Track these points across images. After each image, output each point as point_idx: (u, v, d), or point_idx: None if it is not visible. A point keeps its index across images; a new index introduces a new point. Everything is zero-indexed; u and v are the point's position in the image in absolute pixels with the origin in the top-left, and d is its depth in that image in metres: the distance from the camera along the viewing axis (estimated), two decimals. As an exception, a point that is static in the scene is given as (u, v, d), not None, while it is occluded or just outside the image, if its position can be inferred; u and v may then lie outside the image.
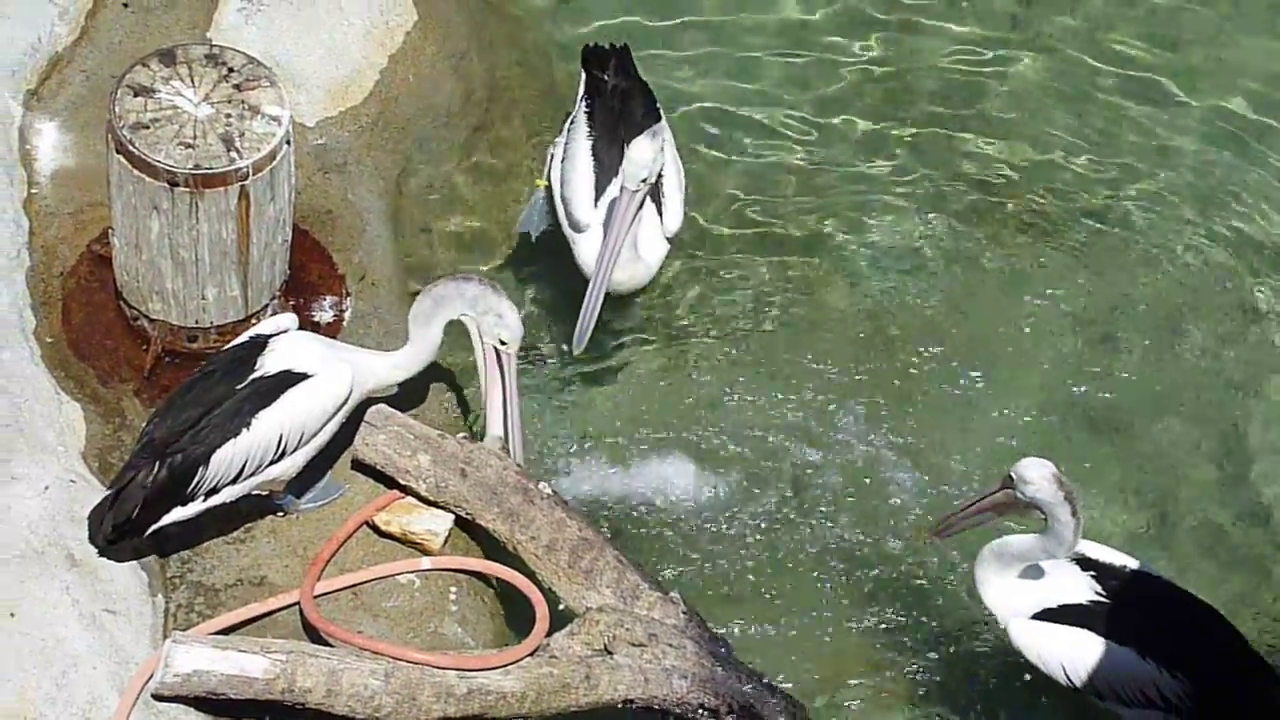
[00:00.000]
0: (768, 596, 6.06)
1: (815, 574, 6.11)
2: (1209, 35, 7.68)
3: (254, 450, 5.33)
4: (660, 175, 6.34)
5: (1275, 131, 7.42)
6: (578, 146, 6.43)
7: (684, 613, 5.55)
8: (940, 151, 7.28)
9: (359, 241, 6.26)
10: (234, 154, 5.46)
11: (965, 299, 6.85)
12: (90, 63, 6.39)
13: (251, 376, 5.36)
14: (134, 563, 5.41)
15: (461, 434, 5.80)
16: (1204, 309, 6.91)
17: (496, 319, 5.65)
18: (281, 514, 5.64)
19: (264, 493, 5.52)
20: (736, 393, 6.51)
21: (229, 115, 5.53)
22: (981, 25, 7.63)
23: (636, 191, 6.12)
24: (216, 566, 5.54)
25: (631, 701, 5.43)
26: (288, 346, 5.44)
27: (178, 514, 5.35)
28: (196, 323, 5.79)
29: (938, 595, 6.07)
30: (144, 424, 5.46)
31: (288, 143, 5.58)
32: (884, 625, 6.04)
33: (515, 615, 5.70)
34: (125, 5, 6.53)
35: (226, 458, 5.31)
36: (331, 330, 6.01)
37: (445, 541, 5.67)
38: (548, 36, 7.34)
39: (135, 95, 5.53)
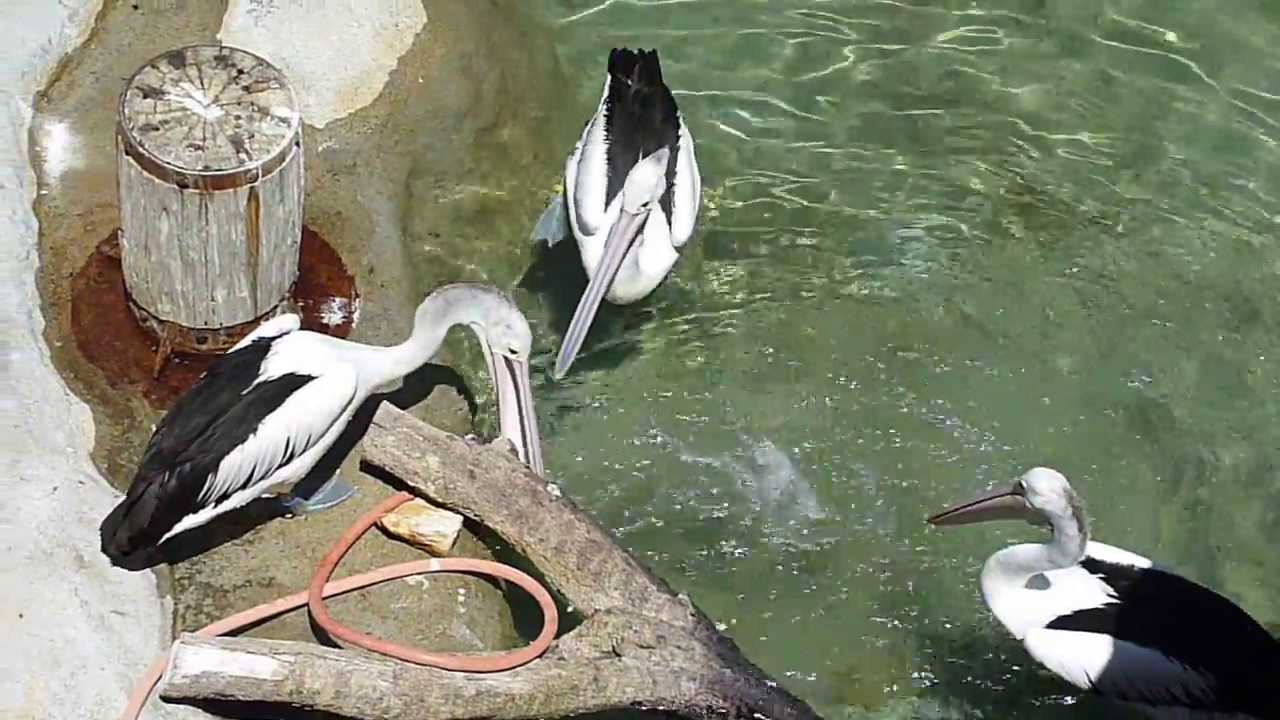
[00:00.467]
0: (776, 597, 6.06)
1: (826, 575, 6.11)
2: (1219, 22, 7.68)
3: (262, 455, 5.33)
4: (672, 183, 6.34)
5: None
6: (593, 149, 6.43)
7: (692, 614, 5.54)
8: (953, 144, 7.28)
9: (368, 243, 6.26)
10: (243, 156, 5.46)
11: (983, 293, 6.85)
12: (100, 64, 6.40)
13: (256, 381, 5.36)
14: (143, 565, 5.41)
15: (470, 435, 5.80)
16: (1228, 299, 6.91)
17: (505, 329, 5.65)
18: (290, 515, 5.65)
19: (272, 495, 5.52)
20: (744, 391, 6.51)
21: (238, 117, 5.53)
22: (993, 13, 7.63)
23: (636, 215, 6.11)
24: (225, 568, 5.54)
25: (640, 703, 5.43)
26: (290, 348, 5.44)
27: (189, 521, 5.35)
28: (206, 324, 5.79)
29: (950, 597, 6.06)
30: (152, 432, 5.47)
31: (297, 144, 5.58)
32: (895, 626, 6.03)
33: (524, 617, 5.71)
34: (135, 7, 6.54)
35: (235, 464, 5.31)
36: (340, 332, 6.02)
37: (454, 543, 5.67)
38: (556, 38, 7.35)
39: (145, 97, 5.53)
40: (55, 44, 6.34)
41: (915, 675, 5.95)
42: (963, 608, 5.99)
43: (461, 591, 5.61)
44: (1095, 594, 5.55)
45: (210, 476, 5.28)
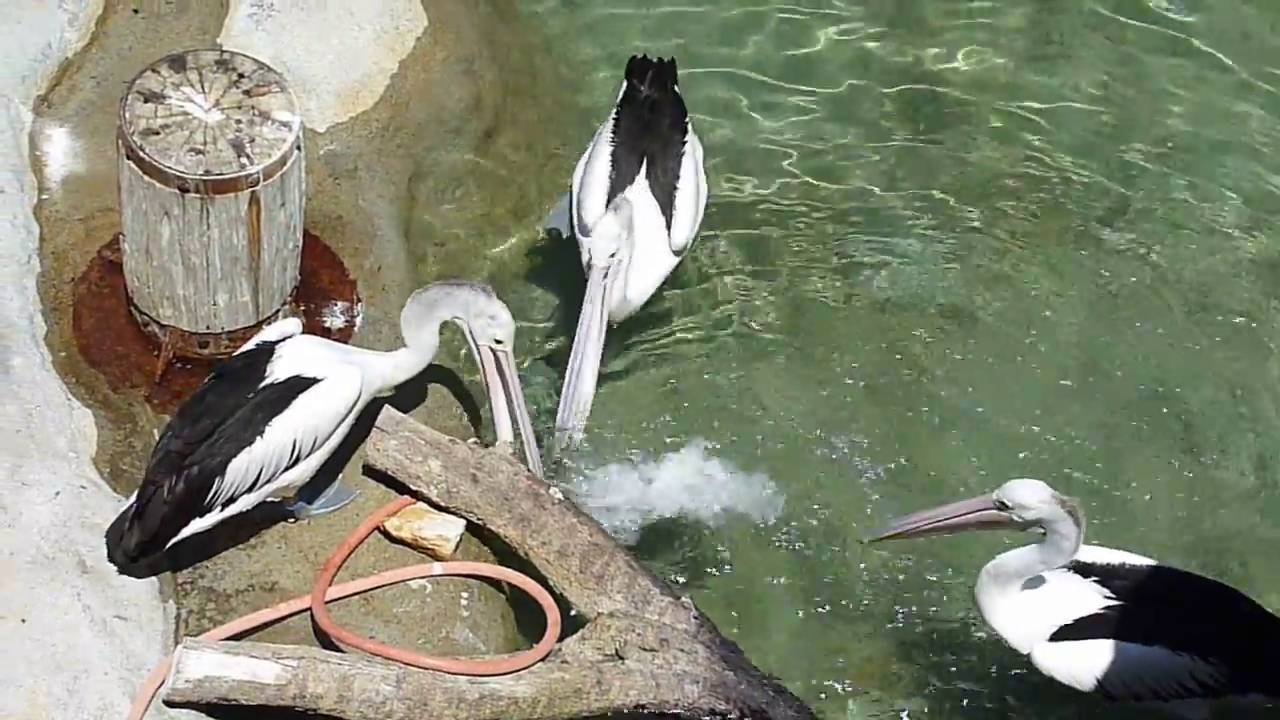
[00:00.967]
0: (780, 599, 6.05)
1: (829, 578, 6.10)
2: (1231, 15, 7.70)
3: (269, 458, 5.34)
4: (674, 186, 6.35)
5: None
6: (599, 151, 6.46)
7: (695, 617, 5.54)
8: (959, 148, 7.28)
9: (370, 246, 6.26)
10: (244, 160, 5.46)
11: (986, 292, 6.86)
12: (101, 69, 6.39)
13: (261, 384, 5.37)
14: (146, 570, 5.41)
15: (472, 439, 5.80)
16: (1238, 299, 6.92)
17: (489, 320, 5.65)
18: (293, 520, 5.64)
19: (277, 499, 5.52)
20: (749, 393, 6.51)
21: (239, 121, 5.53)
22: (997, 18, 7.64)
23: (606, 268, 6.11)
24: (228, 572, 5.54)
25: (643, 707, 5.42)
26: (294, 352, 5.44)
27: (196, 525, 5.35)
28: (208, 328, 5.79)
29: (954, 602, 6.05)
30: (157, 435, 5.46)
31: (298, 148, 5.58)
32: (899, 629, 6.02)
33: (527, 620, 5.70)
34: (136, 11, 6.53)
35: (242, 467, 5.31)
36: (342, 336, 6.02)
37: (456, 547, 5.66)
38: (557, 40, 7.35)
39: (146, 101, 5.53)
40: (56, 48, 6.34)
41: (919, 676, 5.94)
42: (967, 608, 5.97)
43: (464, 595, 5.61)
44: (1093, 598, 5.54)
45: (217, 480, 5.28)
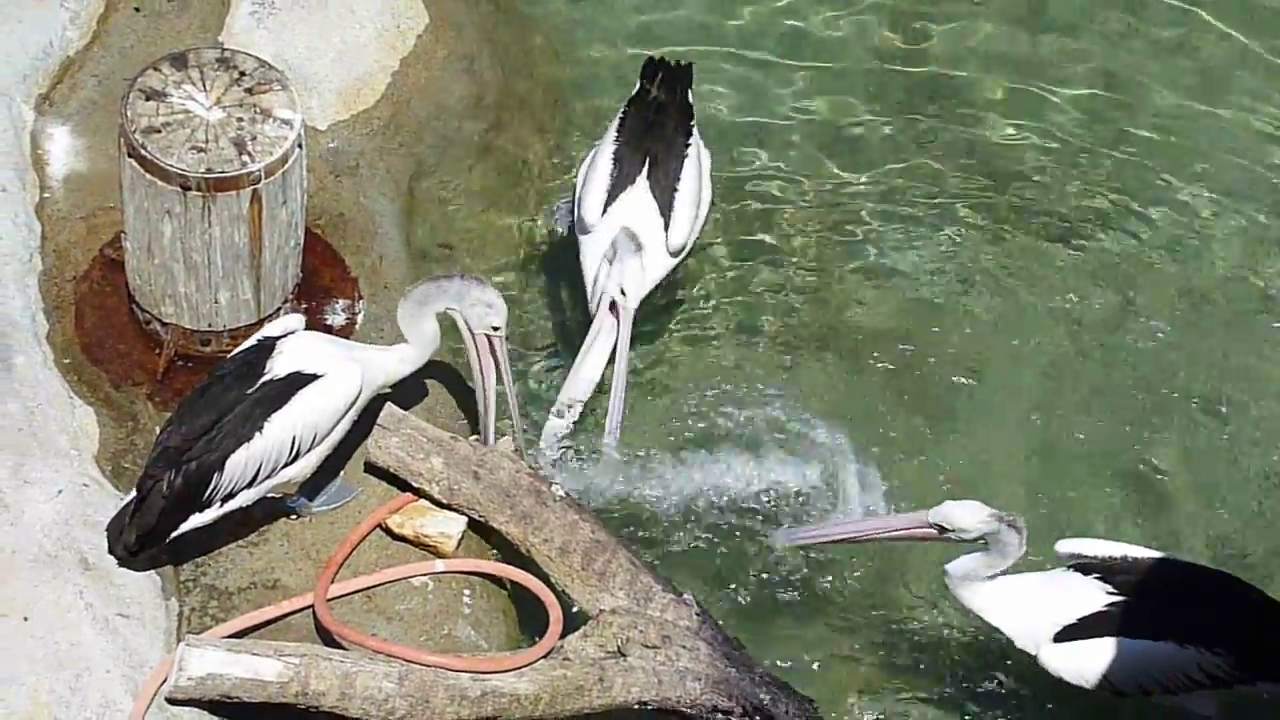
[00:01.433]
0: (782, 598, 6.05)
1: (829, 578, 6.10)
2: (1230, 27, 7.70)
3: (268, 453, 5.34)
4: (674, 188, 6.35)
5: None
6: (603, 151, 6.45)
7: (697, 614, 5.54)
8: (961, 149, 7.28)
9: (371, 244, 6.26)
10: (246, 158, 5.46)
11: (992, 292, 6.85)
12: (102, 67, 6.40)
13: (262, 380, 5.37)
14: (148, 567, 5.41)
15: (474, 436, 5.80)
16: (1236, 302, 6.93)
17: (486, 308, 5.64)
18: (295, 517, 5.65)
19: (277, 495, 5.52)
20: (749, 390, 6.51)
21: (241, 119, 5.53)
22: (1000, 18, 7.64)
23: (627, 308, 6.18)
24: (230, 570, 5.54)
25: (645, 704, 5.43)
26: (296, 348, 5.44)
27: (195, 520, 5.35)
28: (209, 326, 5.79)
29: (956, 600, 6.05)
30: (157, 432, 5.47)
31: (300, 146, 5.58)
32: (900, 627, 6.02)
33: (528, 618, 5.70)
34: (137, 9, 6.54)
35: (241, 462, 5.31)
36: (344, 333, 6.02)
37: (458, 544, 5.66)
38: (559, 38, 7.34)
39: (147, 99, 5.53)
40: (57, 47, 6.34)
41: (921, 673, 5.94)
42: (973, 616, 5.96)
43: (466, 592, 5.61)
44: (1096, 595, 5.53)
45: (216, 475, 5.29)
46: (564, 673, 5.37)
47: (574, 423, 6.18)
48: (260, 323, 5.78)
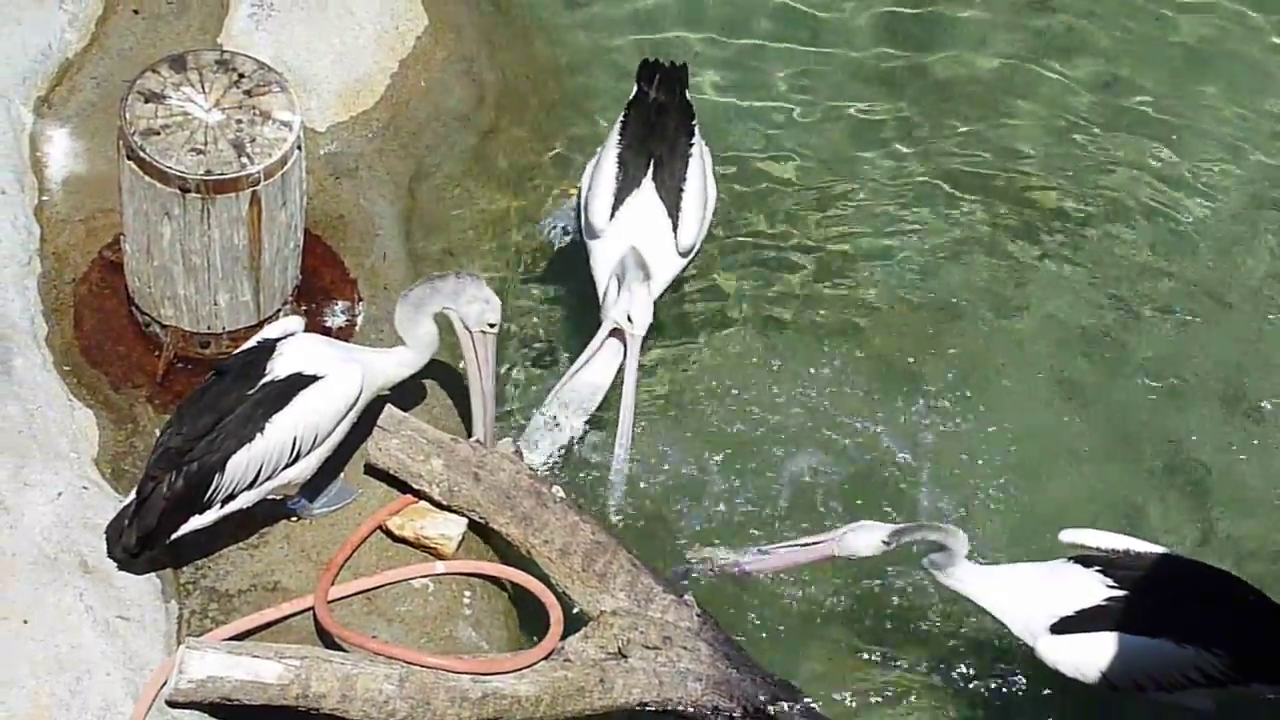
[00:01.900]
0: (782, 599, 6.05)
1: (827, 577, 6.09)
2: (1228, 25, 7.70)
3: (269, 454, 5.34)
4: (681, 189, 6.35)
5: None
6: (606, 155, 6.44)
7: (698, 615, 5.54)
8: (960, 144, 7.28)
9: (371, 246, 6.26)
10: (245, 160, 5.46)
11: (994, 295, 6.86)
12: (101, 69, 6.39)
13: (262, 381, 5.36)
14: (148, 569, 5.41)
15: (474, 438, 5.79)
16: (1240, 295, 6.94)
17: (484, 305, 5.64)
18: (295, 519, 5.64)
19: (277, 497, 5.52)
20: (752, 392, 6.51)
21: (240, 121, 5.53)
22: (995, 13, 7.64)
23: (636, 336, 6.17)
24: (230, 572, 5.54)
25: (646, 705, 5.43)
26: (296, 349, 5.44)
27: (196, 522, 5.35)
28: (209, 328, 5.79)
29: (957, 598, 6.04)
30: (158, 433, 5.46)
31: (299, 148, 5.58)
32: (901, 627, 6.02)
33: (529, 619, 5.70)
34: (136, 12, 6.53)
35: (242, 463, 5.31)
36: (343, 335, 6.02)
37: (459, 545, 5.66)
38: (557, 40, 7.34)
39: (146, 101, 5.53)
40: (56, 49, 6.34)
41: (922, 671, 5.94)
42: (975, 610, 5.95)
43: (467, 594, 5.61)
44: (1096, 589, 5.52)
45: (217, 476, 5.28)
46: (565, 674, 5.36)
47: (554, 434, 6.17)
48: (260, 325, 5.78)
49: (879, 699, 5.89)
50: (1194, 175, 7.25)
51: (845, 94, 7.40)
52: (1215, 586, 5.58)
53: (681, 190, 6.37)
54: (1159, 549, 5.64)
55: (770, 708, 5.44)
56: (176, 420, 5.37)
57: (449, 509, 5.68)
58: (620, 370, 6.21)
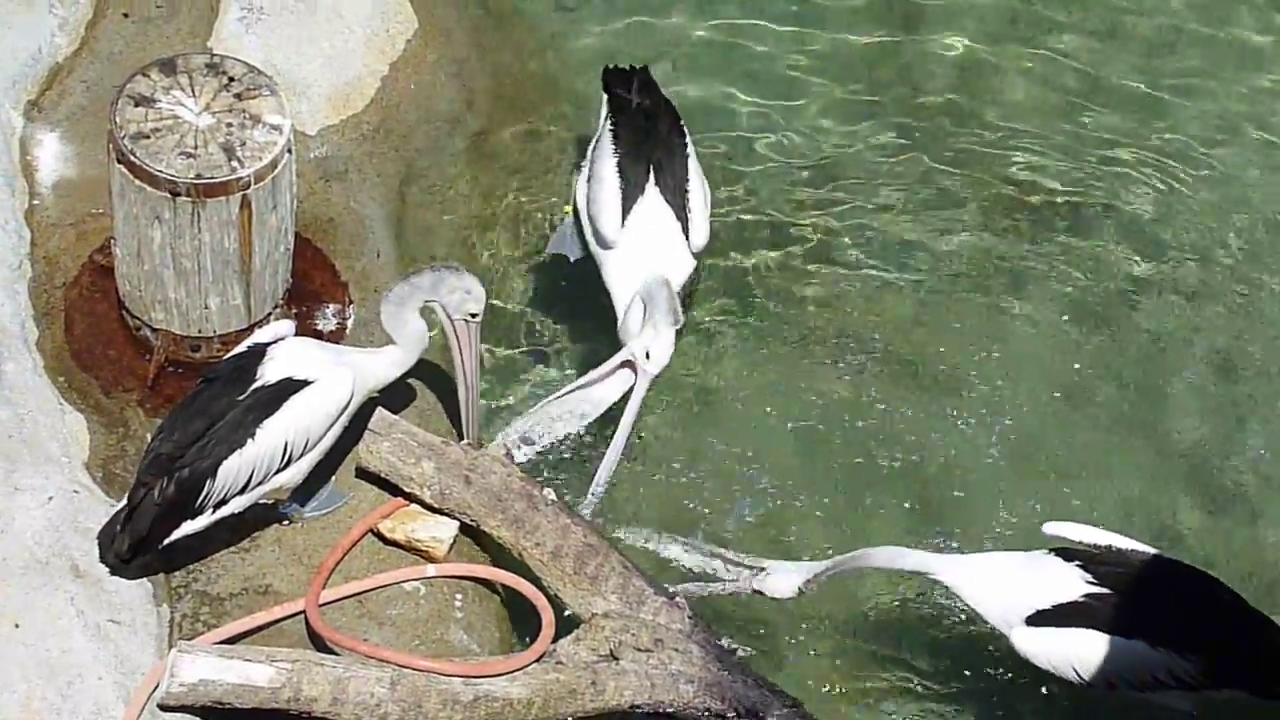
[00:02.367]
0: (775, 601, 6.05)
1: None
2: (1224, 28, 7.71)
3: (260, 460, 5.33)
4: (686, 189, 6.35)
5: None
6: (604, 166, 6.39)
7: (689, 617, 5.54)
8: (955, 147, 7.29)
9: (361, 249, 6.27)
10: (235, 163, 5.46)
11: (982, 301, 6.87)
12: (91, 73, 6.39)
13: (253, 386, 5.36)
14: (139, 573, 5.41)
15: (465, 441, 5.80)
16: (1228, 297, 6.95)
17: (465, 295, 5.63)
18: (286, 523, 5.64)
19: (269, 502, 5.51)
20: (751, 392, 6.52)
21: (230, 124, 5.53)
22: (990, 18, 7.65)
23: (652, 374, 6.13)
24: (221, 576, 5.53)
25: (638, 707, 5.42)
26: (286, 354, 5.44)
27: (187, 527, 5.35)
28: (199, 332, 5.79)
29: (946, 599, 6.05)
30: (149, 439, 5.46)
31: (289, 151, 5.58)
32: (891, 628, 6.03)
33: (521, 622, 5.70)
34: (125, 15, 6.53)
35: (233, 469, 5.31)
36: (334, 338, 6.02)
37: (450, 548, 5.66)
38: (548, 43, 7.34)
39: (136, 105, 5.53)
40: (46, 53, 6.34)
41: (911, 672, 5.94)
42: (963, 611, 5.96)
43: (458, 596, 5.61)
44: (1074, 584, 5.50)
45: (209, 481, 5.28)
46: (556, 676, 5.37)
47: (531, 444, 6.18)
48: (251, 328, 5.78)
49: (869, 703, 5.89)
50: (1195, 162, 7.26)
51: (836, 81, 7.42)
52: (1194, 589, 5.56)
53: (686, 192, 6.37)
54: (1142, 547, 5.62)
55: (761, 709, 5.44)
56: (167, 426, 5.36)
57: (440, 512, 5.68)
58: (623, 395, 6.16)
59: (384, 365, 5.62)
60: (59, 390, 5.74)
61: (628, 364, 6.11)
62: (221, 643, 5.29)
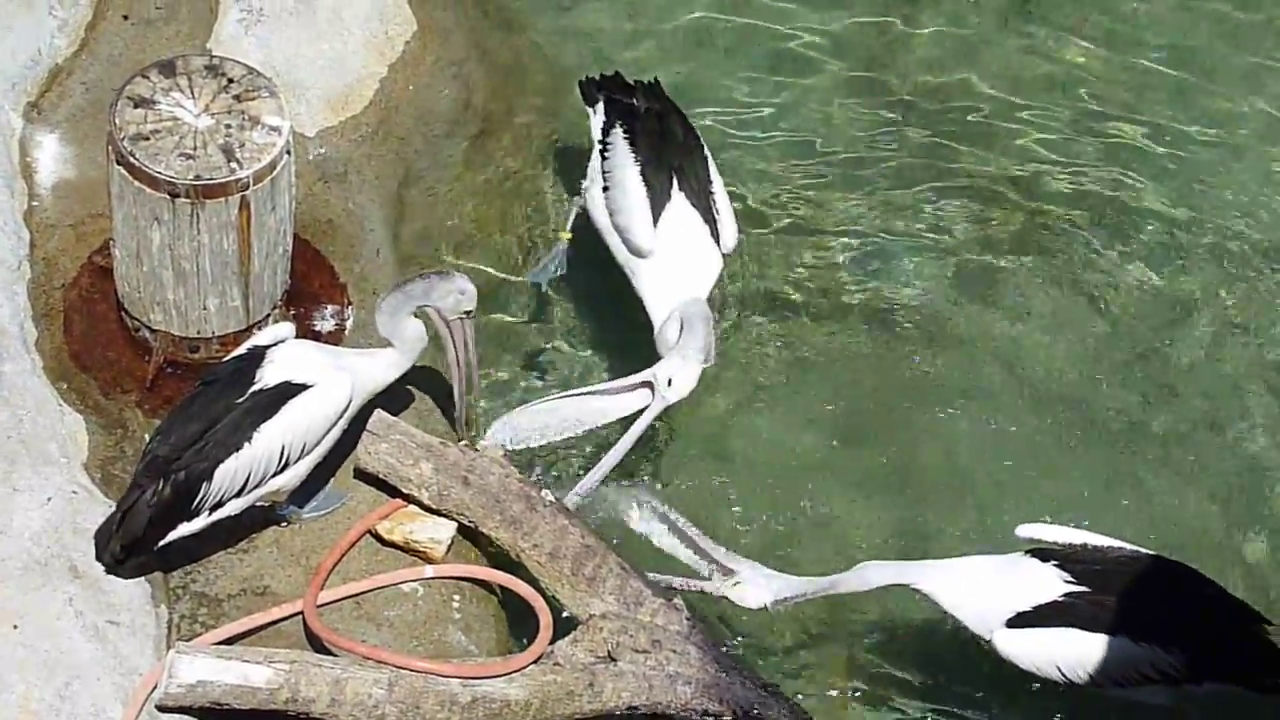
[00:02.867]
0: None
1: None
2: (1223, 31, 7.70)
3: (257, 462, 5.34)
4: (711, 191, 6.34)
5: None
6: (625, 174, 6.35)
7: (687, 619, 5.55)
8: (955, 145, 7.29)
9: (360, 250, 6.27)
10: (234, 164, 5.46)
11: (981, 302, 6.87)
12: (90, 75, 6.40)
13: (252, 389, 5.36)
14: (137, 574, 5.41)
15: (463, 442, 5.80)
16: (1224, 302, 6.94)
17: (459, 296, 5.64)
18: (284, 524, 5.65)
19: (267, 503, 5.52)
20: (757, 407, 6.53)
21: (229, 126, 5.54)
22: (986, 19, 7.65)
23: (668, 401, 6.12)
24: (219, 577, 5.54)
25: (636, 708, 5.43)
26: (285, 357, 5.44)
27: (184, 529, 5.35)
28: (198, 333, 5.79)
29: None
30: (147, 440, 5.47)
31: (288, 153, 5.58)
32: (888, 629, 6.03)
33: (519, 623, 5.70)
34: (125, 17, 6.53)
35: (230, 471, 5.31)
36: (333, 339, 6.02)
37: (448, 549, 5.67)
38: (547, 45, 7.34)
39: (135, 107, 5.53)
40: (45, 55, 6.34)
41: (908, 675, 5.95)
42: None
43: (456, 598, 5.61)
44: (1053, 584, 5.49)
45: (205, 484, 5.28)
46: (554, 678, 5.37)
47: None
48: (249, 329, 5.79)
49: (867, 703, 5.90)
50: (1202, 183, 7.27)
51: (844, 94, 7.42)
52: (1175, 583, 5.55)
53: (711, 193, 6.36)
54: (1117, 543, 5.61)
55: (759, 711, 5.44)
56: (165, 428, 5.37)
57: (438, 513, 5.69)
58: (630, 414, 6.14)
59: (382, 367, 5.63)
60: (58, 391, 5.74)
61: (647, 384, 6.09)
62: (219, 644, 5.29)
